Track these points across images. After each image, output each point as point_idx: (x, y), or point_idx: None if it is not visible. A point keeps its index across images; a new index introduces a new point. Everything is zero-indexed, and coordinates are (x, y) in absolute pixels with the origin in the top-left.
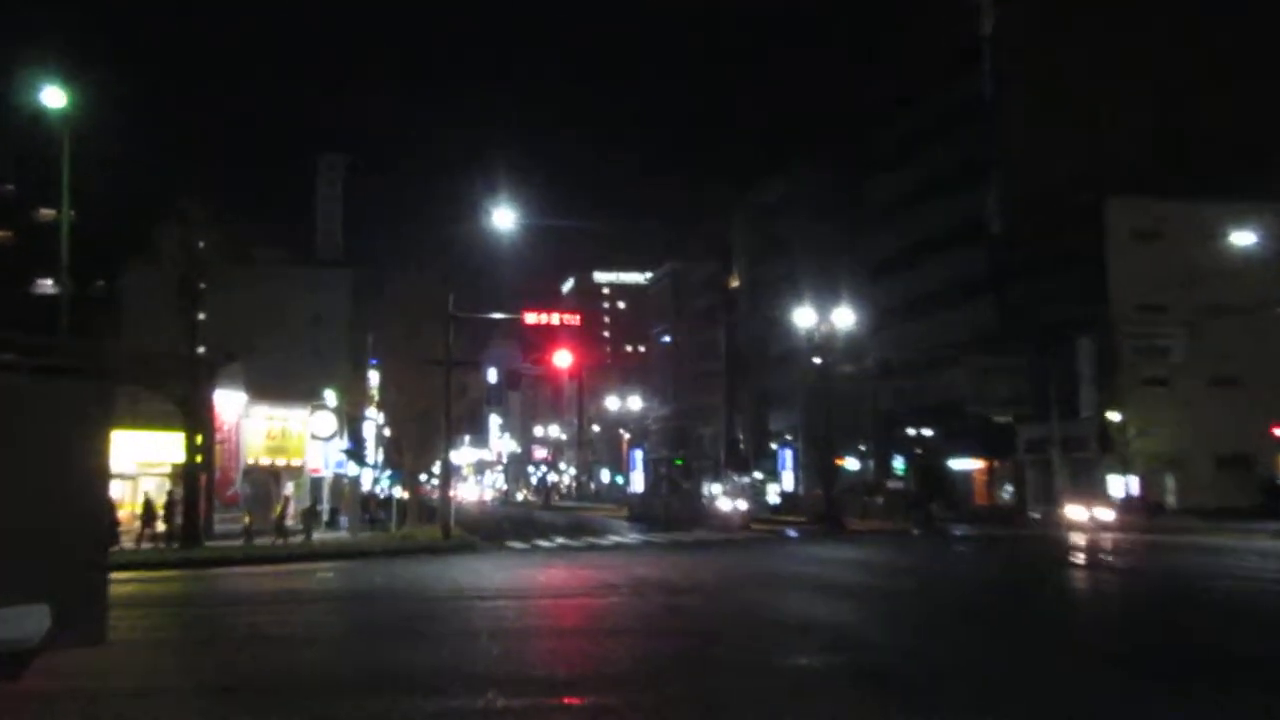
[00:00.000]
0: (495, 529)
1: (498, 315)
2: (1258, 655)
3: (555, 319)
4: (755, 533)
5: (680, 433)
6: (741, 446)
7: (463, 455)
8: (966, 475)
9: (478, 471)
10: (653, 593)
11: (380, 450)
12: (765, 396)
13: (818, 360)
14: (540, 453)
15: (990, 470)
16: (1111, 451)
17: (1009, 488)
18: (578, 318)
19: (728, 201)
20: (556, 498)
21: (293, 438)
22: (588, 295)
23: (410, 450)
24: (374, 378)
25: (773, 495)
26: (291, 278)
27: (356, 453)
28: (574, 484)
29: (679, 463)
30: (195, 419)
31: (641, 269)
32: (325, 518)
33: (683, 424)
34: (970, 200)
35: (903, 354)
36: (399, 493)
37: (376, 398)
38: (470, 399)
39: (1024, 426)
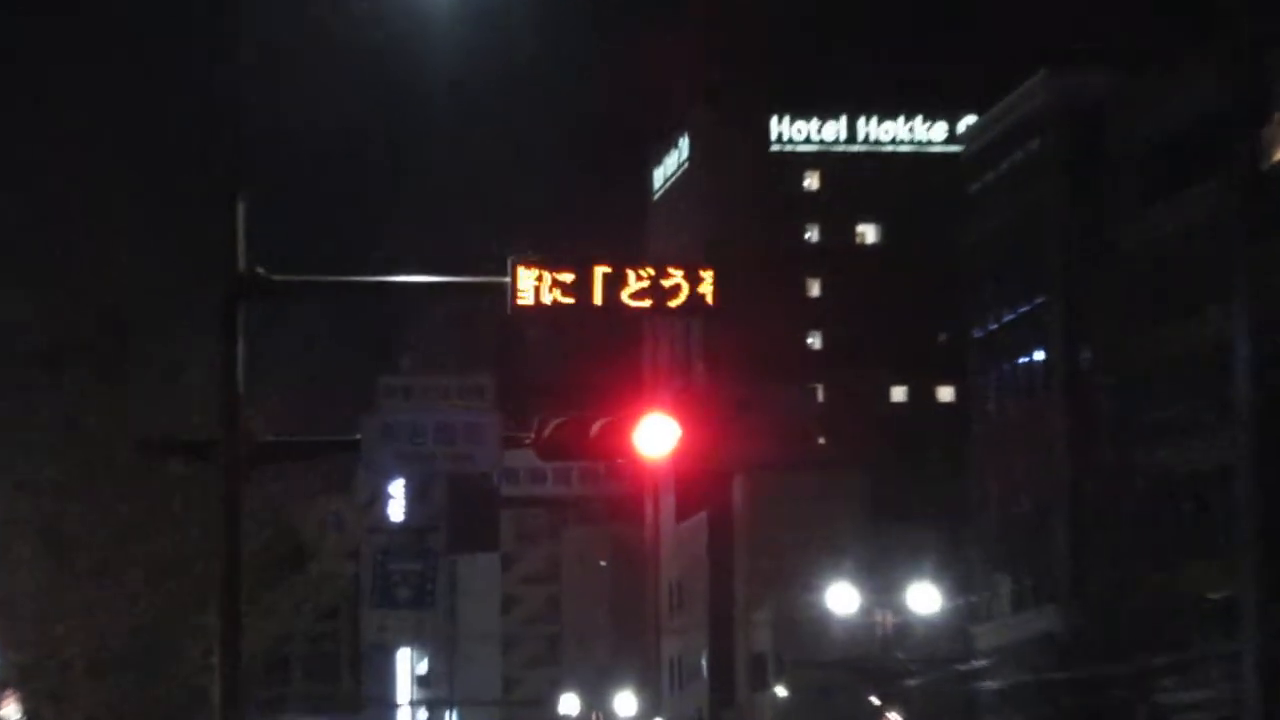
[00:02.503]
0: None
1: (422, 281)
2: None
3: (628, 284)
4: None
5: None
6: None
7: None
8: None
9: None
10: None
11: None
12: None
13: None
14: None
15: None
16: None
17: None
18: (711, 282)
19: None
20: None
21: None
22: (745, 202)
23: None
24: None
25: None
26: None
27: None
28: None
29: None
30: None
31: (933, 111)
32: None
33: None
34: None
35: None
36: None
37: None
38: (324, 575)
39: None
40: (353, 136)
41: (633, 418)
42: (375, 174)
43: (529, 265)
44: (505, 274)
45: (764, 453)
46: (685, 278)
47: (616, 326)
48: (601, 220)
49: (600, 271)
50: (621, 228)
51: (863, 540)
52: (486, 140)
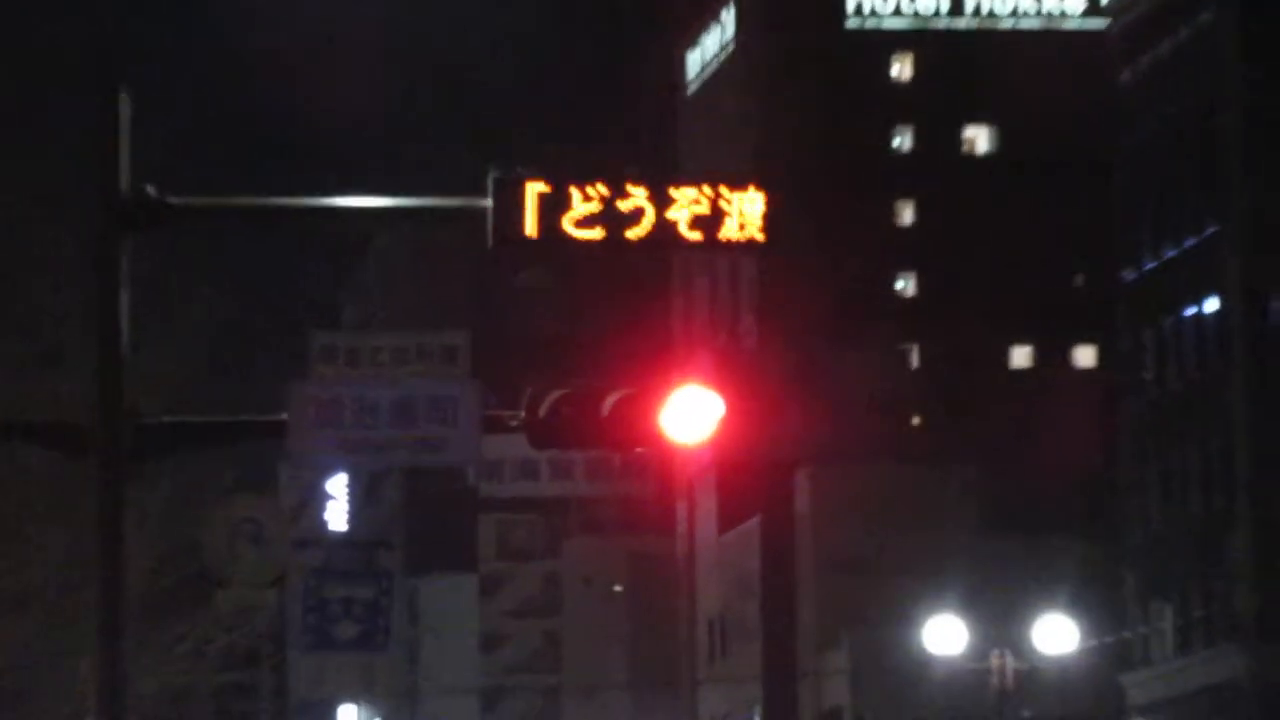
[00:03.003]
0: None
1: (368, 206)
2: None
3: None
4: None
5: None
6: None
7: None
8: None
9: None
10: None
11: None
12: None
13: None
14: None
15: None
16: None
17: None
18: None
19: None
20: None
21: None
22: (810, 97)
23: None
24: None
25: None
26: None
27: None
28: None
29: None
30: None
31: None
32: None
33: None
34: None
35: None
36: None
37: None
38: (238, 607)
39: None
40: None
41: (659, 390)
42: (353, 83)
43: (515, 185)
44: (485, 196)
45: (837, 437)
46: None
47: (635, 269)
48: (621, 123)
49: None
50: (646, 132)
51: (973, 557)
52: (478, 21)
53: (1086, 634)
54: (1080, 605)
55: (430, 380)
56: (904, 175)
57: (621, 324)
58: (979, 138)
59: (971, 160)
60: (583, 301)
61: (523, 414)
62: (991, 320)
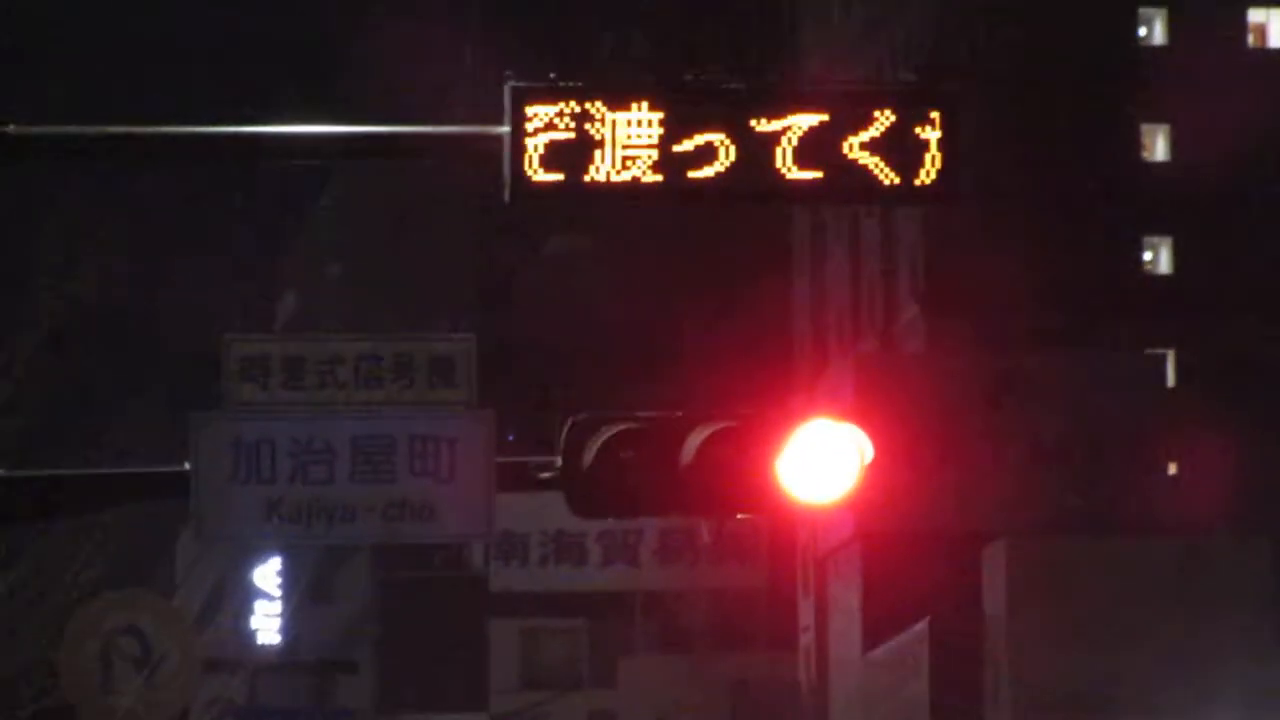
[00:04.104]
0: None
1: (311, 133)
2: None
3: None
4: None
5: None
6: None
7: None
8: None
9: None
10: None
11: None
12: None
13: None
14: None
15: None
16: None
17: None
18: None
19: None
20: None
21: None
22: None
23: None
24: None
25: None
26: None
27: None
28: None
29: None
30: None
31: None
32: None
33: None
34: None
35: None
36: None
37: None
38: None
39: None
40: None
41: (772, 424)
42: None
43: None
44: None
45: (1049, 495)
46: None
47: (732, 232)
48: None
49: None
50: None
51: (1267, 686)
52: None
53: None
54: None
55: (415, 410)
56: (1156, 81)
57: (712, 319)
58: (1273, 24)
59: (1261, 58)
60: (650, 283)
61: (559, 461)
62: None
